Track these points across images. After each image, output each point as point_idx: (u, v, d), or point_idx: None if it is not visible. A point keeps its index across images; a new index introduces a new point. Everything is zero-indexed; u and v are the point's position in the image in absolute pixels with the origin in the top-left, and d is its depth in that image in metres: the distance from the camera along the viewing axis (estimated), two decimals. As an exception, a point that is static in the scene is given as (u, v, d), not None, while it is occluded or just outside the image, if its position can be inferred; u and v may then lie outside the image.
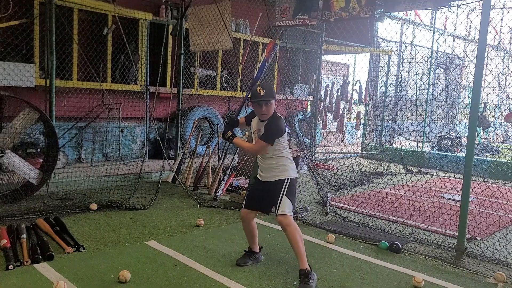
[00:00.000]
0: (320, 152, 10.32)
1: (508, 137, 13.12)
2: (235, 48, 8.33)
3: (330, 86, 10.13)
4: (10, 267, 3.28)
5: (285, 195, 3.38)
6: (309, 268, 3.29)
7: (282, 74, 9.79)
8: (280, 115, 3.49)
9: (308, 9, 5.51)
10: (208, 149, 6.50)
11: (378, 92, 10.67)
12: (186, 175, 6.38)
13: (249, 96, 3.45)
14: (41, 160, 5.58)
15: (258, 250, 3.74)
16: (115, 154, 7.56)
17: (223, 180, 5.94)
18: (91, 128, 7.23)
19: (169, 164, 6.48)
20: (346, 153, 10.71)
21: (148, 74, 7.46)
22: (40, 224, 4.15)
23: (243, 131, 9.28)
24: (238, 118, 3.72)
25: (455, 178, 7.46)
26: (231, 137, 3.52)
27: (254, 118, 3.57)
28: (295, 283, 3.33)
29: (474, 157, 4.24)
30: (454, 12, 13.64)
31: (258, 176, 3.62)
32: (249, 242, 3.72)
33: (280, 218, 3.35)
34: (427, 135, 10.57)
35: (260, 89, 3.33)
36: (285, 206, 3.36)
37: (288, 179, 3.43)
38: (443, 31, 12.78)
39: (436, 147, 10.54)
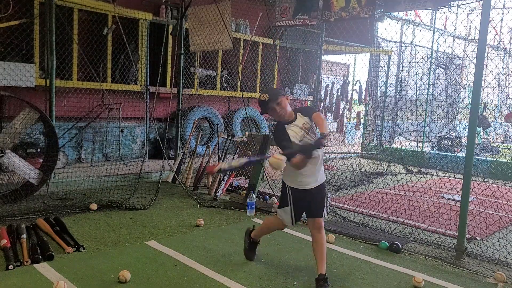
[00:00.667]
0: (320, 152, 10.29)
1: (508, 137, 13.12)
2: (235, 48, 8.33)
3: (330, 86, 10.14)
4: (10, 267, 3.28)
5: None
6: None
7: (282, 74, 9.79)
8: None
9: (308, 9, 5.52)
10: (208, 149, 6.51)
11: (378, 92, 10.67)
12: (186, 175, 6.38)
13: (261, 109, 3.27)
14: (41, 160, 5.58)
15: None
16: (115, 154, 7.56)
17: (223, 180, 5.94)
18: (91, 128, 7.23)
19: (169, 164, 6.48)
20: (346, 153, 10.71)
21: (148, 74, 7.46)
22: (40, 224, 4.15)
23: (243, 131, 9.29)
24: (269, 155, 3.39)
25: (455, 178, 7.47)
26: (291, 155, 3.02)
27: (288, 126, 3.21)
28: (295, 283, 3.33)
29: (474, 157, 4.24)
30: (454, 12, 13.64)
31: (301, 185, 3.24)
32: (260, 236, 3.72)
33: (322, 220, 3.28)
34: (427, 135, 10.57)
35: (263, 95, 3.20)
36: (326, 208, 3.35)
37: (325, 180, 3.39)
38: (443, 31, 12.78)
39: (436, 147, 10.54)
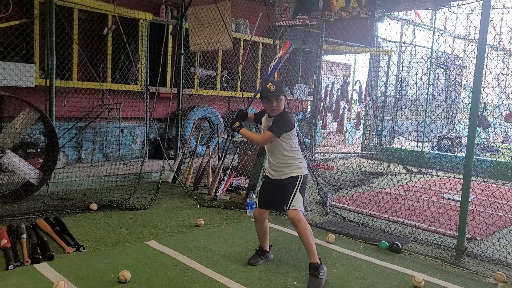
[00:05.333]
0: (320, 152, 10.32)
1: (508, 137, 13.12)
2: (235, 48, 8.33)
3: (330, 86, 10.14)
4: (10, 267, 3.28)
5: (298, 191, 3.39)
6: (319, 262, 3.32)
7: (282, 74, 9.79)
8: (290, 111, 3.51)
9: (308, 9, 5.52)
10: (208, 149, 6.50)
11: (378, 92, 10.67)
12: (186, 175, 6.38)
13: (260, 93, 3.46)
14: (41, 160, 5.58)
15: (268, 249, 3.76)
16: (115, 154, 7.56)
17: (223, 180, 5.94)
18: (91, 128, 7.23)
19: (169, 164, 6.48)
20: (346, 153, 10.71)
21: (148, 74, 7.46)
22: (40, 224, 4.15)
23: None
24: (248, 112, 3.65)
25: (455, 178, 7.47)
26: (238, 127, 3.48)
27: (264, 116, 3.57)
28: (295, 283, 3.33)
29: (474, 157, 4.24)
30: (454, 12, 13.65)
31: (268, 174, 3.60)
32: (260, 241, 3.73)
33: (292, 213, 3.34)
34: (427, 135, 10.57)
35: (270, 85, 3.37)
36: (298, 202, 3.37)
37: (301, 176, 3.44)
38: (443, 31, 12.78)
39: (436, 147, 10.54)
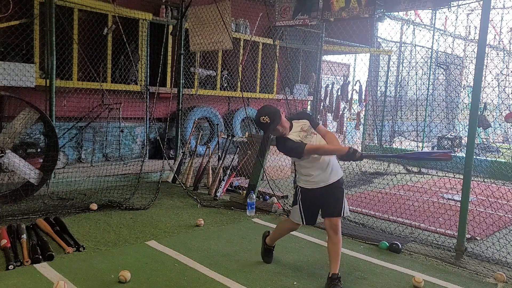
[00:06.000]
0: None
1: (508, 137, 13.11)
2: (235, 48, 8.33)
3: (330, 86, 10.13)
4: (10, 267, 3.28)
5: (344, 194, 3.35)
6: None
7: (282, 74, 9.79)
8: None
9: (308, 9, 5.52)
10: (208, 149, 6.51)
11: (378, 92, 10.66)
12: (186, 175, 6.39)
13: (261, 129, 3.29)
14: (41, 160, 5.58)
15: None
16: (115, 154, 7.56)
17: (223, 180, 5.94)
18: (91, 128, 7.23)
19: (169, 164, 6.48)
20: (346, 153, 10.67)
21: (148, 74, 7.46)
22: (40, 224, 4.15)
23: (243, 131, 9.29)
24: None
25: (455, 178, 7.46)
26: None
27: (288, 135, 3.30)
28: (295, 283, 3.33)
29: (474, 157, 4.24)
30: (454, 12, 13.65)
31: (313, 186, 3.31)
32: (275, 239, 3.71)
33: (339, 220, 3.28)
34: (427, 135, 10.57)
35: (264, 118, 3.14)
36: (347, 207, 3.34)
37: (342, 176, 3.39)
38: (443, 31, 12.78)
39: (436, 147, 10.54)
